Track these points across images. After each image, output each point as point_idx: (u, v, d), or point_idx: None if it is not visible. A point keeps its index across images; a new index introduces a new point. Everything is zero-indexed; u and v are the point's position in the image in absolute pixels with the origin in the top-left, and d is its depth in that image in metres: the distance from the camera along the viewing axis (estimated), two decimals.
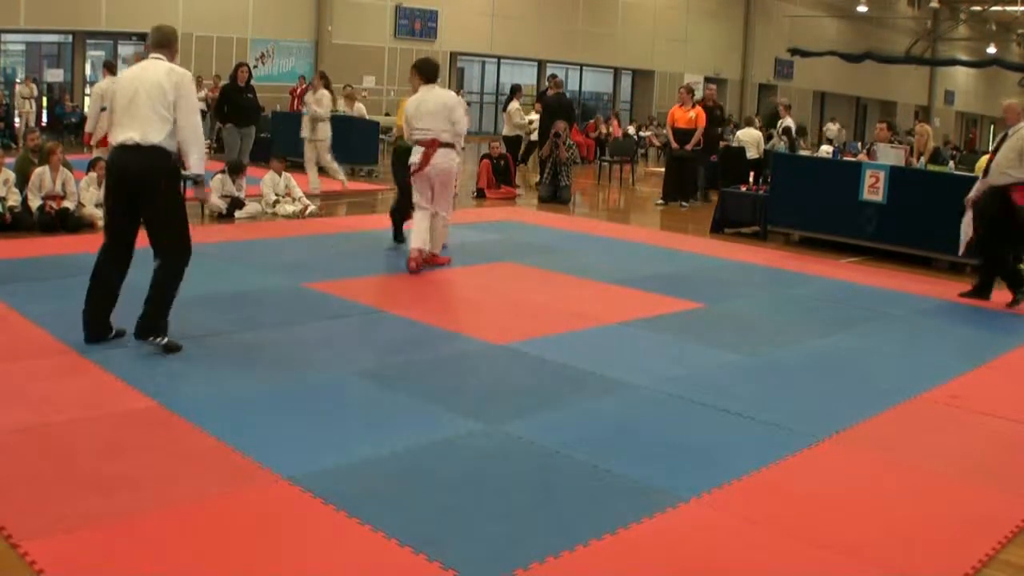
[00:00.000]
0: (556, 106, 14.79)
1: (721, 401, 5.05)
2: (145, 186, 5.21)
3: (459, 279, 7.84)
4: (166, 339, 5.30)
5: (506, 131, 15.96)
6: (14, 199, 9.04)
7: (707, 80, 24.90)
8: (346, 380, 5.13)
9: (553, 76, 16.37)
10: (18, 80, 20.05)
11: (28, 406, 4.42)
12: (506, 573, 3.17)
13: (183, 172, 5.29)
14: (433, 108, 7.78)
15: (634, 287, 7.89)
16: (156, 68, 5.31)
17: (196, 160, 5.28)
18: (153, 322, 5.30)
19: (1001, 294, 8.13)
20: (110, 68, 11.51)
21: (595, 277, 8.23)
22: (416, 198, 8.01)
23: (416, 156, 7.81)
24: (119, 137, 5.24)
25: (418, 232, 7.96)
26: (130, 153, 5.19)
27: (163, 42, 5.51)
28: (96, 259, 5.42)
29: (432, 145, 7.75)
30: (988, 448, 4.74)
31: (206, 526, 3.40)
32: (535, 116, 15.40)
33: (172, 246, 5.33)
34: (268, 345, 5.69)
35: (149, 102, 5.19)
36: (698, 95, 16.52)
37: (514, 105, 15.74)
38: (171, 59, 5.45)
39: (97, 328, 5.41)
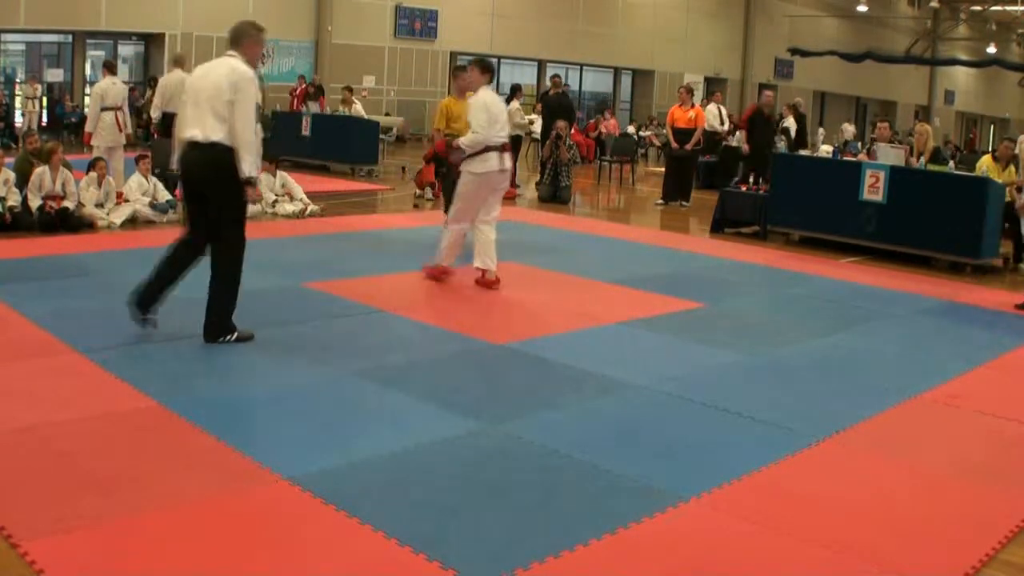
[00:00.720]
0: (557, 106, 14.78)
1: (721, 401, 5.05)
2: (205, 183, 5.38)
3: (459, 279, 7.84)
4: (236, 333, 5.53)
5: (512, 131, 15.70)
6: (14, 199, 9.05)
7: (762, 87, 24.73)
8: (346, 380, 5.13)
9: (555, 76, 16.32)
10: (18, 80, 20.05)
11: (28, 406, 4.42)
12: (506, 573, 3.17)
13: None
14: (502, 110, 7.55)
15: (634, 287, 7.89)
16: (220, 66, 5.42)
17: (248, 163, 5.30)
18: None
19: (997, 294, 8.13)
20: (110, 68, 11.48)
21: (595, 277, 8.23)
22: (464, 212, 7.50)
23: (492, 160, 7.34)
24: (185, 134, 5.40)
25: (486, 248, 7.52)
26: (192, 150, 5.35)
27: (234, 38, 5.64)
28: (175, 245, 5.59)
29: (508, 148, 7.53)
30: (988, 448, 4.74)
31: (206, 526, 3.40)
32: (535, 116, 15.36)
33: (226, 244, 5.45)
34: (268, 345, 5.68)
35: (208, 101, 5.28)
36: (699, 96, 16.55)
37: (514, 105, 15.73)
38: (246, 56, 5.53)
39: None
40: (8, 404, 4.43)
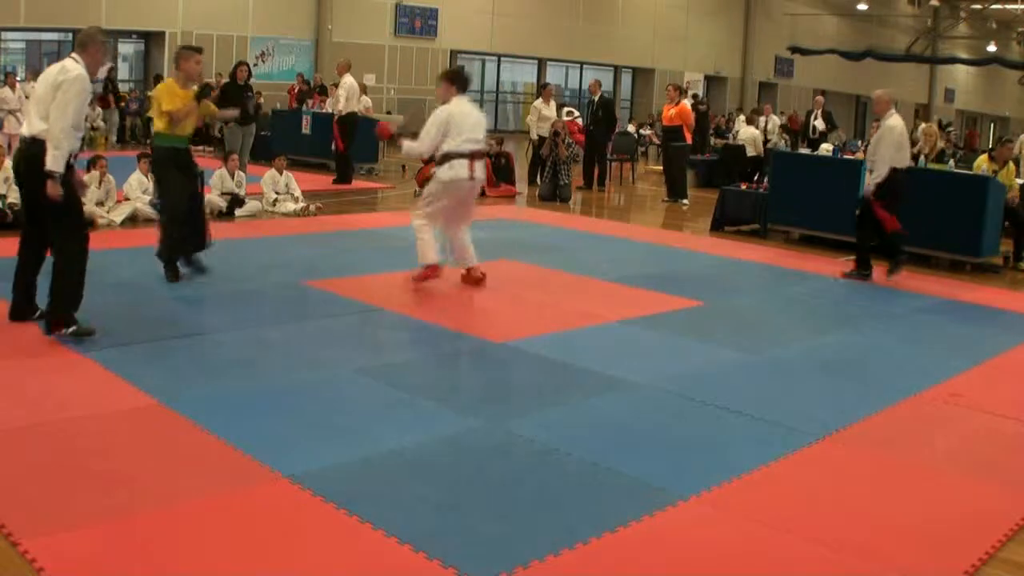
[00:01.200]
0: (606, 112, 15.21)
1: (721, 399, 5.05)
2: (25, 176, 5.51)
3: (459, 277, 7.84)
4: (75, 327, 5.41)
5: (536, 132, 15.24)
6: (14, 196, 9.04)
7: (816, 92, 24.77)
8: (346, 378, 5.13)
9: (594, 81, 16.37)
10: (19, 79, 20.01)
11: (29, 404, 4.42)
12: (506, 571, 3.17)
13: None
14: (478, 120, 7.44)
15: (634, 285, 7.89)
16: (54, 67, 5.47)
17: (51, 157, 5.27)
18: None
19: (998, 293, 8.12)
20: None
21: (595, 275, 8.22)
22: (431, 216, 7.34)
23: (460, 168, 7.17)
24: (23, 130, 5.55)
25: (463, 250, 7.50)
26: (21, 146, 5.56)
27: (80, 42, 5.56)
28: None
29: (479, 156, 7.40)
30: (988, 446, 4.74)
31: (206, 524, 3.40)
32: (548, 113, 15.32)
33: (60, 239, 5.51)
34: (269, 343, 5.69)
35: (37, 101, 5.41)
36: (698, 93, 16.69)
37: (540, 102, 15.71)
38: (88, 59, 5.46)
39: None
40: (8, 403, 4.43)
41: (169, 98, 6.90)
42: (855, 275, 8.80)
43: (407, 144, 7.43)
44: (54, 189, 5.27)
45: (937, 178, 10.08)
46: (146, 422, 4.32)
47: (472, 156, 7.21)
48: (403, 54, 24.57)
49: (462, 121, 7.21)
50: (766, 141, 17.53)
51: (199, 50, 7.33)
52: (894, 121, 8.56)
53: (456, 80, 7.43)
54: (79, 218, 5.64)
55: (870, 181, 8.56)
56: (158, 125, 6.99)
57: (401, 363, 5.45)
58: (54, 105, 5.29)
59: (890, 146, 8.47)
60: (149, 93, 19.95)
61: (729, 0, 32.69)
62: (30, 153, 5.37)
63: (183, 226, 7.01)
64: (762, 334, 6.60)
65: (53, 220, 5.44)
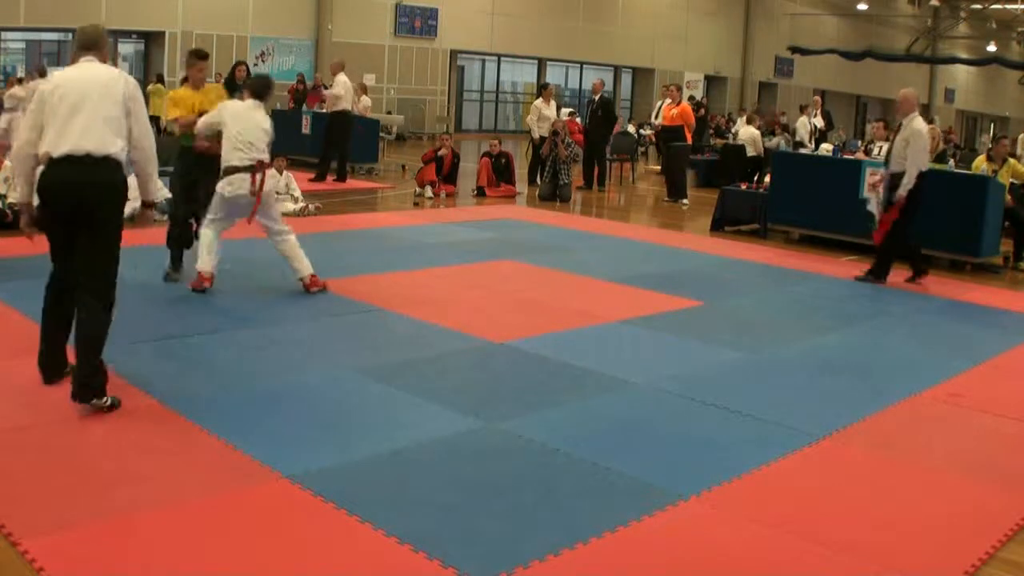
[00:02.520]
0: (606, 111, 15.22)
1: (721, 399, 5.05)
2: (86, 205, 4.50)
3: (459, 277, 7.84)
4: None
5: (538, 132, 15.13)
6: (14, 196, 9.03)
7: (815, 92, 24.76)
8: (346, 378, 5.13)
9: (597, 80, 16.39)
10: (18, 78, 20.00)
11: (29, 404, 4.42)
12: (507, 571, 3.17)
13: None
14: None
15: (634, 285, 7.89)
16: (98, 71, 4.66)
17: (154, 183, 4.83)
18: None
19: (998, 293, 8.11)
20: (41, 72, 12.45)
21: (595, 275, 8.22)
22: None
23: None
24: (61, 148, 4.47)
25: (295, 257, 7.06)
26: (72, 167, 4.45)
27: (92, 43, 4.83)
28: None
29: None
30: (988, 446, 4.74)
31: (206, 524, 3.40)
32: (549, 113, 15.32)
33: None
34: (268, 343, 5.69)
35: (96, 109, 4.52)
36: (694, 93, 16.77)
37: (540, 102, 15.72)
38: (102, 59, 4.79)
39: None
40: (8, 402, 4.43)
41: (171, 105, 7.17)
42: (869, 279, 8.65)
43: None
44: (151, 217, 5.03)
45: (937, 178, 10.08)
46: (146, 422, 4.32)
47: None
48: (403, 54, 24.57)
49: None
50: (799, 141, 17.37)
51: (204, 56, 7.47)
52: (920, 124, 8.42)
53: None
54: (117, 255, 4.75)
55: (903, 187, 8.27)
56: (172, 127, 7.26)
57: (401, 363, 5.45)
58: (141, 126, 4.62)
59: (923, 150, 8.36)
60: (148, 89, 20.00)
61: (729, 0, 32.69)
62: (105, 179, 4.46)
63: (176, 225, 7.12)
64: (762, 334, 6.60)
65: (110, 251, 4.63)
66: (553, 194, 13.62)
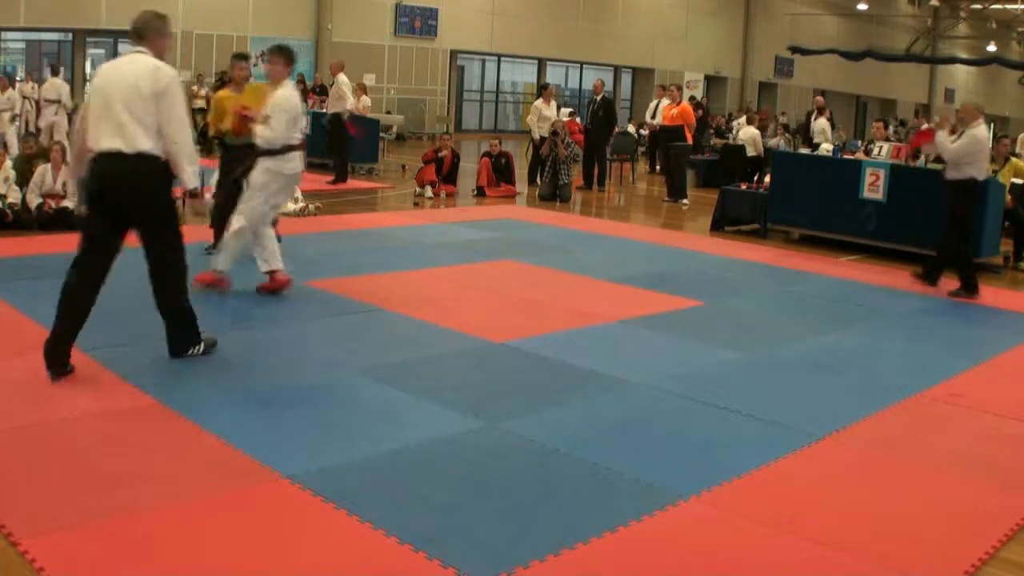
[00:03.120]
0: (606, 111, 15.24)
1: (721, 399, 5.05)
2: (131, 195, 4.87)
3: (459, 277, 7.84)
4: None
5: (538, 132, 15.13)
6: (14, 196, 9.06)
7: (815, 92, 24.73)
8: (346, 378, 5.12)
9: (598, 81, 16.41)
10: (18, 78, 20.00)
11: (28, 403, 4.42)
12: (506, 571, 3.17)
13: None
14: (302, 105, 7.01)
15: (634, 285, 7.89)
16: (127, 69, 4.83)
17: (189, 175, 4.95)
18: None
19: (998, 293, 8.10)
20: (54, 70, 13.73)
21: (595, 275, 8.22)
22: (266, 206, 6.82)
23: (300, 160, 6.81)
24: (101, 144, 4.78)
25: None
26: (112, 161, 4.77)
27: (137, 32, 4.98)
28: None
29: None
30: (988, 446, 4.73)
31: (206, 524, 3.40)
32: (549, 113, 15.33)
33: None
34: (268, 343, 5.69)
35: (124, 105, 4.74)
36: (695, 93, 16.79)
37: (541, 102, 15.74)
38: (152, 49, 4.95)
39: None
40: (8, 402, 4.43)
41: (218, 108, 7.76)
42: (962, 294, 8.25)
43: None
44: (201, 202, 5.40)
45: (937, 178, 10.07)
46: (146, 422, 4.32)
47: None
48: (403, 54, 24.56)
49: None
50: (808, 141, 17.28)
51: (246, 57, 8.24)
52: (983, 132, 8.19)
53: (292, 60, 6.92)
54: (179, 233, 5.10)
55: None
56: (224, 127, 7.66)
57: (401, 363, 5.44)
58: (169, 119, 4.77)
59: (985, 158, 8.25)
60: None
61: (729, 0, 32.69)
62: (139, 171, 4.75)
63: (215, 219, 7.49)
64: (762, 334, 6.60)
65: (154, 239, 4.97)
66: (553, 194, 13.63)
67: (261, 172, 6.68)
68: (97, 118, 4.80)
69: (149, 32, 5.00)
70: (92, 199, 4.90)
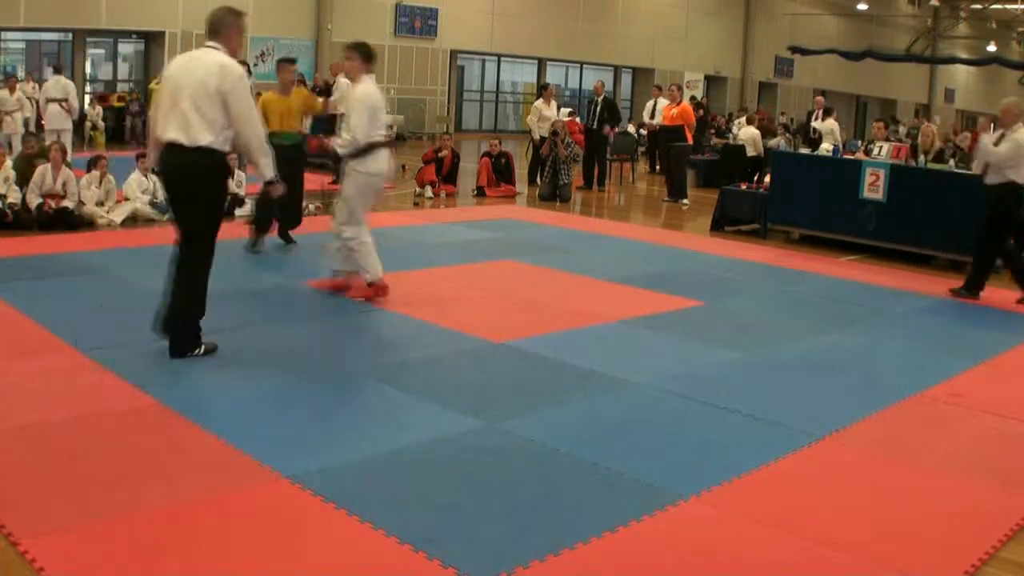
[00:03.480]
0: (610, 110, 15.35)
1: (721, 399, 5.05)
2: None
3: (459, 277, 7.84)
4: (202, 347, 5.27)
5: (538, 132, 15.14)
6: (14, 196, 9.06)
7: (816, 92, 24.72)
8: (346, 378, 5.12)
9: (598, 82, 16.48)
10: (19, 78, 19.99)
11: (28, 404, 4.42)
12: (507, 571, 3.17)
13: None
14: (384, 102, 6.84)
15: (634, 285, 7.89)
16: (196, 65, 5.05)
17: (265, 166, 5.26)
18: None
19: (998, 292, 8.12)
20: (56, 69, 13.74)
21: (595, 275, 8.22)
22: (364, 213, 6.79)
23: (386, 158, 6.72)
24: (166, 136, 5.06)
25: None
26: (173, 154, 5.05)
27: (212, 28, 5.17)
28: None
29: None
30: (989, 446, 4.74)
31: (206, 524, 3.40)
32: (549, 113, 15.34)
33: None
34: (268, 343, 5.69)
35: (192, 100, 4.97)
36: (695, 93, 16.78)
37: (541, 102, 15.75)
38: (225, 45, 5.14)
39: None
40: (8, 402, 4.43)
41: (265, 112, 7.83)
42: (964, 293, 8.22)
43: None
44: (277, 190, 5.41)
45: (937, 177, 10.09)
46: (145, 422, 4.32)
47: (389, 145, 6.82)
48: (403, 54, 24.55)
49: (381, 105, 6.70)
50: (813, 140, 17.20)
51: (293, 61, 8.71)
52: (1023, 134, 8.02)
53: (370, 57, 6.72)
54: (214, 238, 5.31)
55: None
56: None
57: (402, 363, 5.44)
58: (238, 115, 4.99)
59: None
60: (150, 88, 19.99)
61: (729, 0, 32.68)
62: (204, 163, 5.01)
63: (274, 210, 7.99)
64: (762, 334, 6.60)
65: (193, 236, 5.17)
66: (553, 194, 13.62)
67: (350, 178, 6.61)
68: (165, 110, 5.04)
69: (224, 28, 5.17)
70: (165, 188, 5.41)
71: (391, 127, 6.78)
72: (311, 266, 7.85)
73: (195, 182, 5.07)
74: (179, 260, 5.20)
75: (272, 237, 8.50)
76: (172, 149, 5.02)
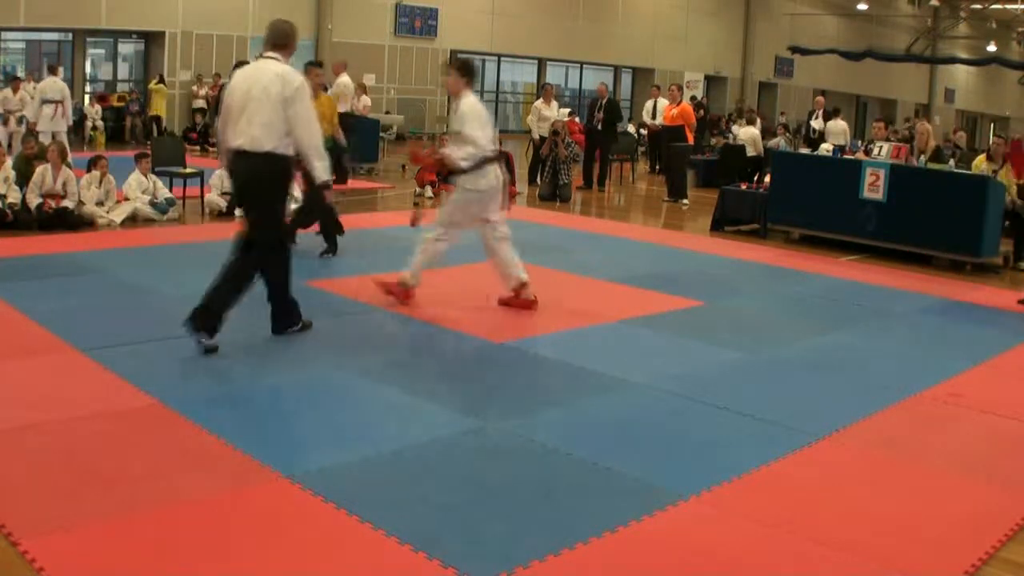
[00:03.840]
0: (612, 110, 15.41)
1: (721, 399, 5.05)
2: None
3: (459, 277, 7.84)
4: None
5: (538, 132, 15.21)
6: (14, 196, 9.06)
7: (816, 92, 24.75)
8: (347, 378, 5.13)
9: (602, 84, 16.54)
10: (19, 78, 19.98)
11: (28, 404, 4.42)
12: (506, 571, 3.17)
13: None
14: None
15: (634, 285, 7.89)
16: (259, 75, 5.38)
17: (321, 168, 5.49)
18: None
19: (998, 293, 8.11)
20: (52, 69, 13.41)
21: (595, 275, 8.22)
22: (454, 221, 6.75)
23: (493, 175, 6.63)
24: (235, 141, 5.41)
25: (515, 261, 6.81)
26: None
27: (277, 41, 5.54)
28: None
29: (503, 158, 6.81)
30: (988, 446, 4.74)
31: (206, 524, 3.40)
32: (549, 113, 15.35)
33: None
34: (269, 343, 5.69)
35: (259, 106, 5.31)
36: (695, 93, 16.81)
37: (541, 103, 15.76)
38: (287, 56, 5.53)
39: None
40: (8, 402, 4.43)
41: None
42: None
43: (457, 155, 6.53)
44: (330, 195, 5.76)
45: (937, 178, 10.09)
46: (146, 422, 4.32)
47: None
48: (403, 54, 24.55)
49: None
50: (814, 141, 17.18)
51: (321, 64, 9.05)
52: None
53: (468, 72, 6.72)
54: (281, 225, 5.78)
55: None
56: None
57: (401, 363, 5.44)
58: (298, 121, 5.29)
59: None
60: (150, 88, 19.98)
61: (729, 0, 32.68)
62: (268, 168, 5.35)
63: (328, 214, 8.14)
64: (762, 334, 6.60)
65: (262, 231, 5.50)
66: (553, 194, 13.62)
67: (459, 192, 6.62)
68: (233, 118, 5.39)
69: (284, 41, 5.57)
70: (233, 189, 5.83)
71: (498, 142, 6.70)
72: (312, 266, 7.85)
73: (260, 185, 5.42)
74: (246, 255, 5.56)
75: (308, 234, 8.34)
76: (239, 155, 5.39)
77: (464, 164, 6.46)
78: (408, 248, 8.50)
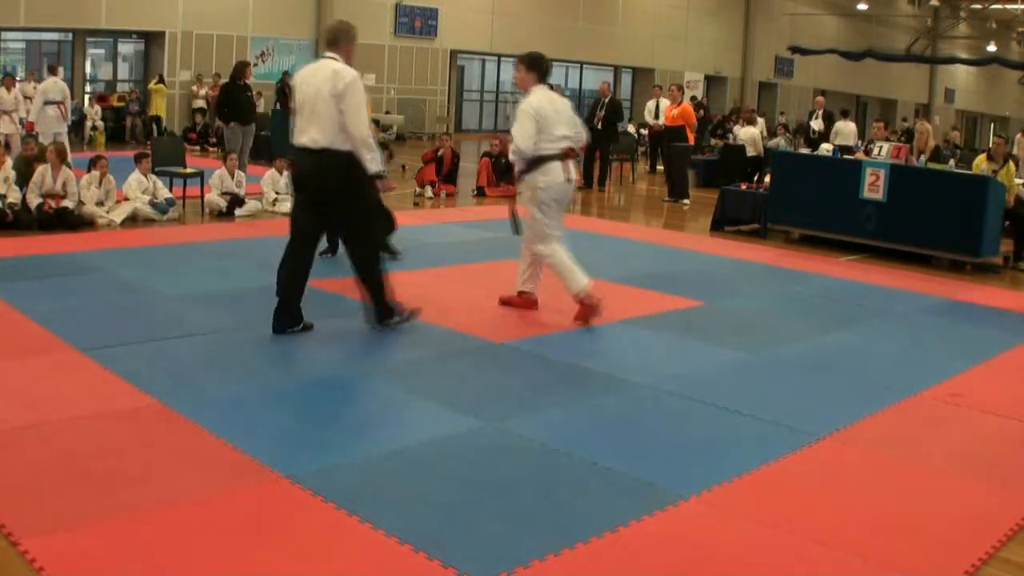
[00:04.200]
0: (614, 110, 15.47)
1: (721, 399, 5.05)
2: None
3: (459, 277, 7.84)
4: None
5: None
6: (14, 196, 9.06)
7: (816, 92, 24.76)
8: (347, 378, 5.13)
9: (604, 83, 16.54)
10: (18, 79, 19.98)
11: (28, 404, 4.42)
12: (507, 571, 3.17)
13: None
14: (565, 112, 6.52)
15: (634, 285, 7.89)
16: (313, 74, 5.57)
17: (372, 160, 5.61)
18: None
19: (998, 293, 8.09)
20: (52, 69, 13.45)
21: (595, 275, 8.18)
22: (550, 228, 6.56)
23: (558, 171, 6.41)
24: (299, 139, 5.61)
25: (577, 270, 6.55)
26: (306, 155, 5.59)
27: (332, 39, 5.71)
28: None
29: (573, 155, 6.61)
30: (989, 446, 4.74)
31: (206, 524, 3.40)
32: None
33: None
34: (269, 343, 5.69)
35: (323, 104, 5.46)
36: (696, 93, 16.80)
37: None
38: (344, 55, 5.66)
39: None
40: (8, 402, 4.43)
41: None
42: None
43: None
44: (385, 185, 5.98)
45: (937, 178, 10.09)
46: (146, 422, 4.32)
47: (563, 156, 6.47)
48: (403, 54, 24.55)
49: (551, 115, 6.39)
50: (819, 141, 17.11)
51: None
52: None
53: (536, 66, 6.48)
54: (368, 212, 5.99)
55: None
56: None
57: (402, 363, 5.44)
58: (347, 115, 5.43)
59: None
60: (149, 88, 19.99)
61: (729, 0, 32.68)
62: (330, 163, 5.51)
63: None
64: (762, 334, 6.60)
65: (347, 217, 5.77)
66: None
67: (527, 194, 6.50)
68: (297, 116, 5.62)
69: (342, 40, 5.72)
70: (296, 186, 5.91)
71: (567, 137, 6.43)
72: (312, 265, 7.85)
73: (324, 181, 5.58)
74: (346, 239, 5.95)
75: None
76: (302, 152, 5.60)
77: (512, 157, 6.52)
78: (407, 248, 8.51)
